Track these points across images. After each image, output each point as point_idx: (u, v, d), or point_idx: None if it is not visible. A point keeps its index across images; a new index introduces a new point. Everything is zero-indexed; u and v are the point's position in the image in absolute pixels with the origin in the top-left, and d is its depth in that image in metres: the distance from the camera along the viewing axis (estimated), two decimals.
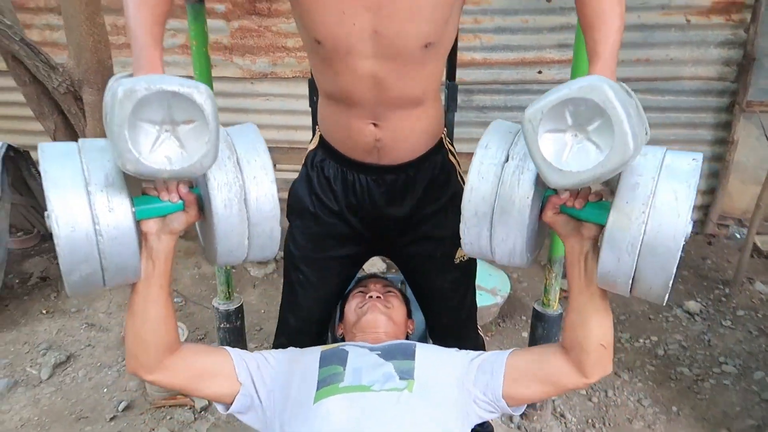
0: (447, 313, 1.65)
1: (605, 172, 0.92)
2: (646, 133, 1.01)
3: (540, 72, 3.29)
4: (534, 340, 2.02)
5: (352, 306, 1.54)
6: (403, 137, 1.38)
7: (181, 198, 1.08)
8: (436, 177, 1.50)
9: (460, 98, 3.19)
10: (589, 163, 0.92)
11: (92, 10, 2.59)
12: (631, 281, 1.02)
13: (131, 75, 1.03)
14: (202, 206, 1.12)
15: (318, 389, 1.19)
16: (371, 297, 1.53)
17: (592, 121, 0.91)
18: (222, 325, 1.96)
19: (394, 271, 2.93)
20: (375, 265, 3.04)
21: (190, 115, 0.94)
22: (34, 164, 2.88)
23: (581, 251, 1.12)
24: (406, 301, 1.66)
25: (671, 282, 1.00)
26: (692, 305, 2.81)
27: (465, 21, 3.19)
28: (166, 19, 1.14)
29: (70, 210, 0.95)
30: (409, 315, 1.65)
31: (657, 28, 3.21)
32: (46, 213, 0.95)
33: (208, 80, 1.69)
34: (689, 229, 0.99)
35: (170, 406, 2.17)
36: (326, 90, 1.35)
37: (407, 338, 1.58)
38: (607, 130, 0.90)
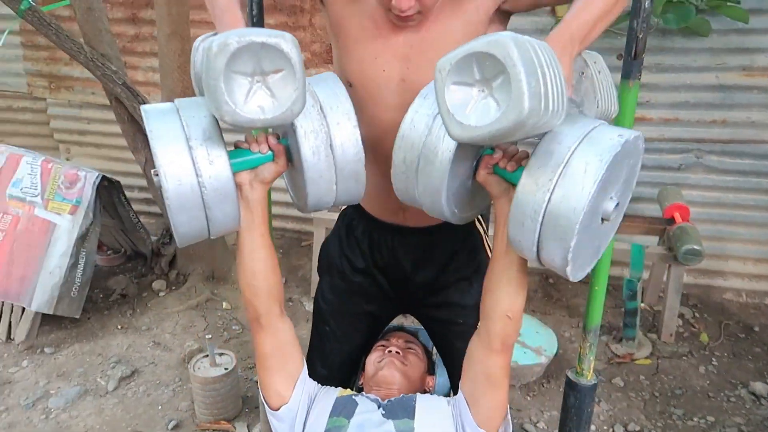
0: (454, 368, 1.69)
1: (501, 129, 0.90)
2: (578, 104, 1.02)
3: None
4: (566, 410, 2.00)
5: (371, 359, 1.61)
6: None
7: (270, 149, 1.17)
8: (463, 245, 1.56)
9: (531, 150, 3.24)
10: (487, 119, 0.91)
11: (183, 61, 2.87)
12: (535, 248, 1.02)
13: (215, 34, 1.13)
14: (290, 156, 1.19)
15: None
16: (390, 352, 1.60)
17: (497, 77, 0.90)
18: None
19: None
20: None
21: (278, 65, 1.01)
22: (123, 193, 3.18)
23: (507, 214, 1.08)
24: (428, 357, 1.71)
25: (569, 255, 0.98)
26: (759, 387, 2.63)
27: None
28: None
29: (176, 165, 1.04)
30: (431, 371, 1.70)
31: (737, 89, 3.11)
32: (153, 170, 1.05)
33: None
34: (598, 205, 0.98)
35: (214, 430, 2.32)
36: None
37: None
38: (508, 87, 0.88)
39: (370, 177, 1.31)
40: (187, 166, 1.05)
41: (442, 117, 0.96)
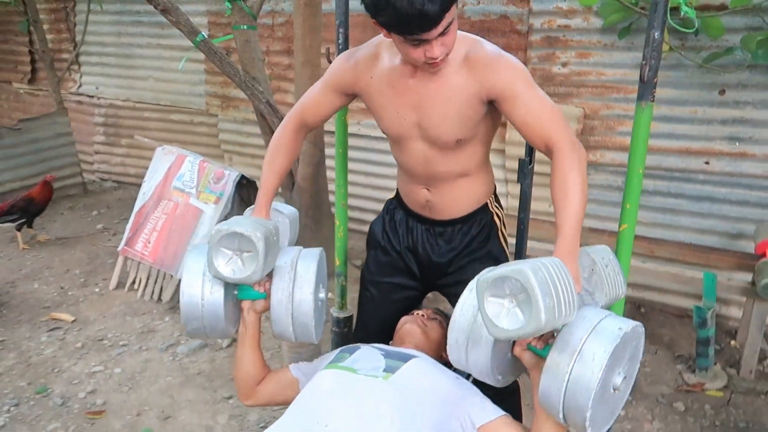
0: None
1: (526, 333, 1.20)
2: (572, 305, 1.25)
3: (707, 162, 3.27)
4: None
5: (402, 320, 1.95)
6: (450, 200, 1.82)
7: (264, 291, 1.70)
8: (478, 234, 1.88)
9: (621, 180, 3.38)
10: (515, 324, 1.22)
11: (314, 81, 3.44)
12: (561, 415, 1.29)
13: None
14: None
15: (327, 364, 1.65)
16: (418, 315, 1.93)
17: (522, 294, 1.19)
18: (333, 329, 2.50)
19: None
20: None
21: (250, 248, 1.54)
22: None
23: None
24: None
25: (587, 423, 1.23)
26: None
27: (630, 108, 3.36)
28: (286, 173, 1.82)
29: (191, 287, 1.62)
30: None
31: None
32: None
33: (345, 178, 2.30)
34: (608, 381, 1.25)
35: None
36: (398, 162, 1.85)
37: (442, 361, 1.92)
38: (529, 304, 1.17)
39: (406, 182, 1.84)
40: (197, 291, 1.62)
41: (483, 320, 1.28)
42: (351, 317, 2.43)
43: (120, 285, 3.70)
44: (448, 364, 1.88)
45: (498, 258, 1.89)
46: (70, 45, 5.67)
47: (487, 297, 1.25)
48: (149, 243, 3.61)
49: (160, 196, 3.71)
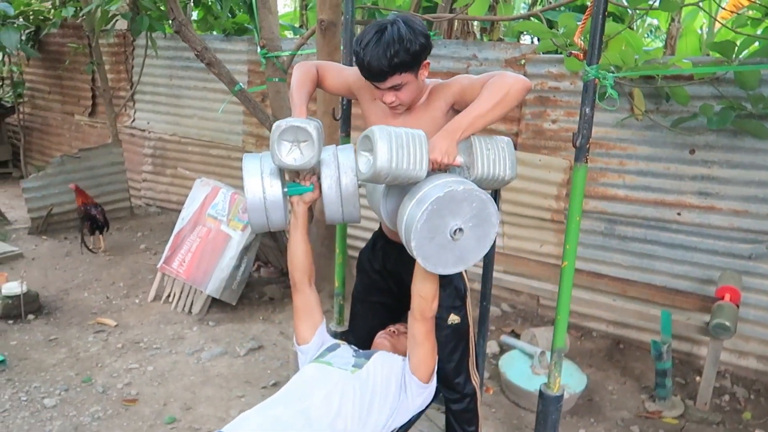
0: (441, 360, 2.37)
1: (373, 174, 1.73)
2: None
3: (679, 214, 3.64)
4: (537, 415, 2.54)
5: (377, 335, 2.39)
6: None
7: (311, 183, 2.04)
8: None
9: (603, 226, 3.78)
10: (366, 168, 1.76)
11: (331, 131, 3.96)
12: (406, 245, 1.78)
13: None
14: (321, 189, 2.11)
15: (312, 359, 2.11)
16: (389, 330, 2.37)
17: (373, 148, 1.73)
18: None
19: None
20: None
21: (306, 137, 1.86)
22: None
23: None
24: None
25: (414, 251, 1.74)
26: None
27: (611, 162, 3.77)
28: (311, 97, 2.22)
29: (253, 185, 1.93)
30: None
31: None
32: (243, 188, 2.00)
33: None
34: (439, 225, 1.72)
35: None
36: None
37: None
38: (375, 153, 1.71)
39: None
40: (258, 187, 1.97)
41: (358, 166, 1.82)
42: (346, 332, 2.87)
43: (157, 297, 4.22)
44: None
45: (457, 286, 2.31)
46: (127, 84, 6.37)
47: (359, 151, 1.78)
48: (184, 262, 4.14)
49: (196, 222, 4.25)
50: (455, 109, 2.04)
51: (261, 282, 4.58)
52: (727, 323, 3.02)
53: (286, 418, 1.78)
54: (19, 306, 3.81)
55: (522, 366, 3.32)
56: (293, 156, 1.87)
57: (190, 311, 4.05)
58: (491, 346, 3.72)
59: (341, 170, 2.01)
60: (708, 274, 3.64)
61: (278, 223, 2.03)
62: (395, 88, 1.92)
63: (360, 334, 2.51)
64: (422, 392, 2.03)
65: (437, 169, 1.85)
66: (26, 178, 5.51)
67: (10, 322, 3.78)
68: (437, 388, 2.39)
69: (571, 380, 3.21)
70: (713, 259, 3.62)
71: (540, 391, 2.52)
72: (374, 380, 1.98)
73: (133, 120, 6.45)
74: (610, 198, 3.82)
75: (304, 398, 1.86)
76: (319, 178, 2.06)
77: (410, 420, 2.06)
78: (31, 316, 3.87)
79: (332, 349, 2.16)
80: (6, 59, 7.11)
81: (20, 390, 3.08)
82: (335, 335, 2.92)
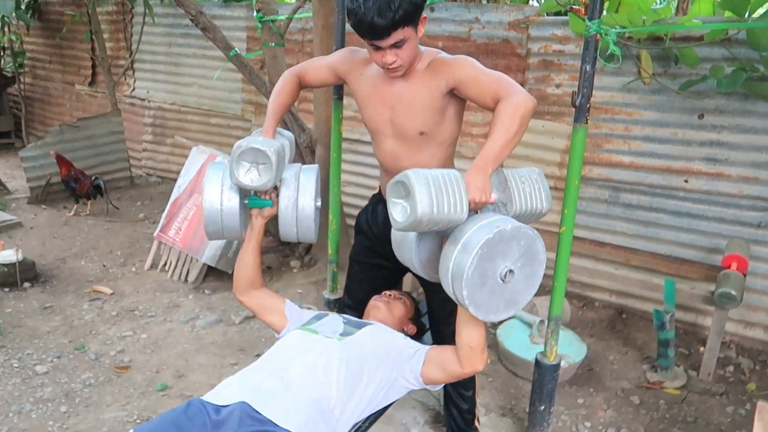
0: (438, 324, 2.32)
1: (411, 224, 1.58)
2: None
3: (686, 181, 3.52)
4: (533, 384, 2.48)
5: (372, 298, 2.32)
6: None
7: (270, 199, 2.05)
8: None
9: (607, 194, 3.68)
10: (403, 218, 1.62)
11: (328, 97, 3.85)
12: (451, 290, 1.65)
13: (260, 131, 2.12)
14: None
15: (299, 326, 2.04)
16: (385, 294, 2.30)
17: (409, 194, 1.59)
18: (324, 308, 2.90)
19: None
20: None
21: (265, 160, 1.88)
22: None
23: None
24: (416, 313, 2.36)
25: (465, 299, 1.59)
26: None
27: (616, 128, 3.65)
28: (287, 109, 2.19)
29: (212, 195, 1.95)
30: (414, 322, 2.34)
31: None
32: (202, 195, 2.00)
33: (338, 179, 2.71)
34: (488, 269, 1.59)
35: None
36: (377, 159, 2.22)
37: (404, 334, 2.28)
38: (412, 201, 1.56)
39: (383, 177, 2.19)
40: (216, 198, 1.96)
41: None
42: (340, 299, 2.81)
43: (153, 266, 4.19)
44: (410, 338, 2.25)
45: None
46: (126, 53, 6.27)
47: (391, 199, 1.65)
48: (180, 230, 4.09)
49: (192, 190, 4.18)
50: (454, 94, 1.95)
51: None
52: (733, 292, 2.92)
53: (266, 386, 1.72)
54: (15, 274, 3.78)
55: (521, 335, 3.25)
56: (251, 177, 1.88)
57: (186, 279, 4.00)
58: None
59: (300, 192, 2.02)
60: (715, 242, 3.54)
61: (233, 234, 2.03)
62: (397, 45, 1.82)
63: (355, 296, 2.45)
64: (418, 385, 1.95)
65: (473, 210, 1.71)
66: (25, 148, 5.46)
67: (6, 289, 3.76)
68: None
69: (571, 349, 3.14)
70: (720, 228, 3.51)
71: (536, 359, 2.46)
72: (364, 350, 1.90)
73: (133, 89, 6.36)
74: (614, 165, 3.71)
75: (286, 365, 1.80)
76: (278, 196, 2.06)
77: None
78: (27, 284, 3.84)
79: (320, 317, 2.10)
80: (6, 28, 7.01)
81: (12, 357, 3.06)
82: (328, 303, 2.87)
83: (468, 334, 1.81)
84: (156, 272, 4.13)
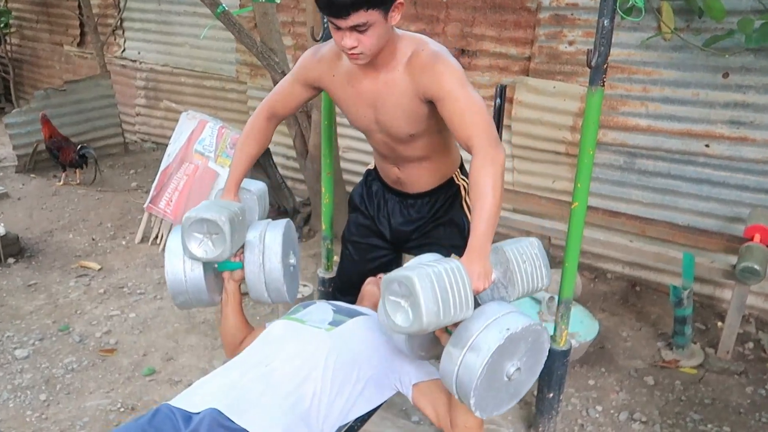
0: None
1: (414, 330, 1.38)
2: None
3: (707, 146, 3.28)
4: (543, 370, 2.30)
5: (366, 281, 2.14)
6: (417, 177, 2.00)
7: (240, 261, 1.86)
8: (444, 204, 2.05)
9: (622, 160, 3.45)
10: (406, 323, 1.39)
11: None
12: (456, 395, 1.47)
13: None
14: None
15: (284, 316, 1.86)
16: (380, 276, 2.11)
17: (410, 295, 1.37)
18: (319, 288, 2.72)
19: None
20: None
21: (217, 231, 1.71)
22: (272, 157, 4.04)
23: None
24: None
25: (471, 402, 1.41)
26: None
27: (633, 89, 3.39)
28: (256, 158, 1.99)
29: (174, 266, 1.80)
30: None
31: None
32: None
33: (330, 148, 2.48)
34: (497, 369, 1.40)
35: None
36: (371, 146, 2.02)
37: None
38: (414, 305, 1.36)
39: (380, 161, 2.04)
40: (180, 270, 1.79)
41: (382, 313, 1.47)
42: (335, 278, 2.63)
43: (144, 239, 4.01)
44: None
45: (458, 223, 2.05)
46: (115, 11, 5.96)
47: (387, 296, 1.44)
48: (171, 201, 3.89)
49: (182, 159, 3.97)
50: (430, 105, 1.71)
51: None
52: (757, 267, 2.72)
53: (243, 383, 1.54)
54: None
55: (529, 311, 3.07)
56: (204, 248, 1.75)
57: None
58: None
59: (265, 255, 1.84)
60: (736, 211, 3.31)
61: (204, 302, 1.88)
62: (358, 29, 1.55)
63: (348, 279, 2.27)
64: (407, 395, 1.76)
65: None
66: (9, 114, 5.23)
67: None
68: None
69: (582, 327, 2.96)
70: (743, 196, 3.28)
71: None
72: (355, 342, 1.71)
73: (123, 50, 6.08)
74: (630, 129, 3.46)
75: (267, 361, 1.62)
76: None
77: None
78: (11, 260, 3.68)
79: (307, 305, 1.91)
80: None
81: None
82: (323, 282, 2.68)
83: (465, 416, 1.60)
84: (147, 245, 3.96)
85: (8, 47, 6.99)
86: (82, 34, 6.39)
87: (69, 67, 6.68)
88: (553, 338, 2.25)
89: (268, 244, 1.85)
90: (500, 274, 1.59)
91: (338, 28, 1.57)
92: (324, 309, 1.87)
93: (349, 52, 1.61)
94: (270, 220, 1.99)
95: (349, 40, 1.57)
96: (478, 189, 1.53)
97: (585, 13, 3.43)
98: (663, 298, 3.50)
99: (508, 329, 1.40)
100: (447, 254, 1.99)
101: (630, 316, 3.36)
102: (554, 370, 2.27)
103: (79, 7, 6.12)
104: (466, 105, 1.60)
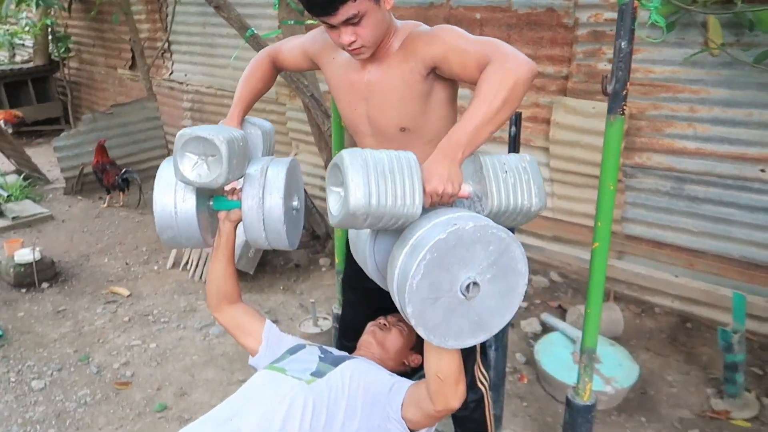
0: None
1: (344, 218, 1.28)
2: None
3: (763, 170, 2.97)
4: (564, 427, 2.09)
5: (367, 326, 2.00)
6: None
7: (239, 200, 1.70)
8: None
9: (669, 185, 3.18)
10: (336, 210, 1.32)
11: None
12: (399, 305, 1.33)
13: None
14: None
15: (268, 364, 1.74)
16: (378, 323, 1.97)
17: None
18: (334, 325, 2.60)
19: None
20: None
21: (214, 152, 1.52)
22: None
23: None
24: (419, 339, 2.02)
25: (408, 312, 1.26)
26: None
27: (679, 109, 3.12)
28: (259, 96, 1.86)
29: (164, 196, 1.61)
30: (417, 350, 2.00)
31: None
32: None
33: (340, 145, 2.36)
34: (444, 280, 1.25)
35: None
36: None
37: (405, 368, 1.95)
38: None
39: None
40: (170, 200, 1.61)
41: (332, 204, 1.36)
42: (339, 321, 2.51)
43: (176, 264, 4.01)
44: (410, 371, 1.92)
45: None
46: (164, 34, 6.09)
47: (329, 187, 1.35)
48: None
49: None
50: (437, 74, 1.57)
51: None
52: None
53: None
54: (32, 274, 3.68)
55: (561, 352, 2.85)
56: (198, 172, 1.54)
57: (205, 280, 3.79)
58: (532, 325, 3.26)
59: (266, 190, 1.64)
60: None
61: (194, 241, 1.68)
62: (351, 21, 1.45)
63: (351, 326, 2.13)
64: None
65: (437, 204, 1.37)
66: (57, 137, 5.41)
67: (23, 290, 3.67)
68: None
69: (620, 371, 2.72)
70: None
71: (567, 398, 2.07)
72: (337, 393, 1.58)
73: (171, 72, 6.20)
74: (678, 152, 3.18)
75: (240, 415, 1.51)
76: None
77: None
78: (45, 284, 3.74)
79: (294, 350, 1.79)
80: (50, 12, 6.98)
81: (12, 369, 2.94)
82: (337, 318, 2.56)
83: (436, 361, 1.44)
84: (178, 271, 3.96)
85: (67, 71, 7.27)
86: (134, 57, 6.57)
87: (122, 90, 6.89)
88: (575, 391, 2.04)
89: (270, 178, 1.65)
90: (473, 187, 1.42)
91: (332, 27, 1.48)
92: (310, 356, 1.75)
93: (350, 49, 1.52)
94: (273, 156, 1.81)
95: (346, 35, 1.48)
96: (479, 88, 1.35)
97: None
98: (712, 339, 3.18)
99: (454, 224, 1.22)
100: None
101: (678, 358, 3.07)
102: (577, 427, 2.05)
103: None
104: (473, 41, 1.44)
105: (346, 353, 1.83)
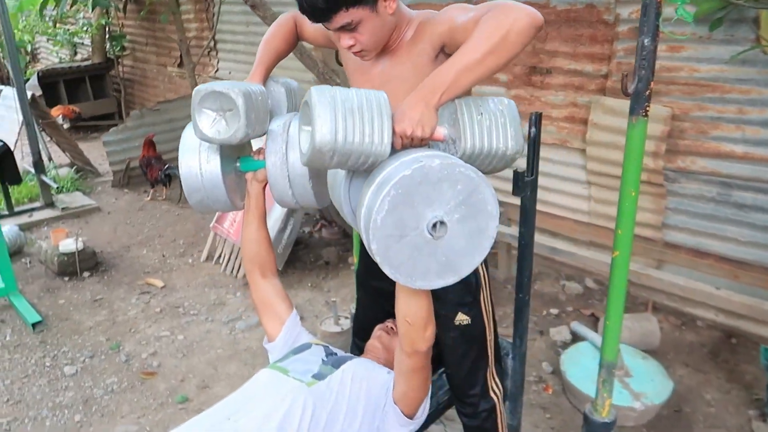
0: (450, 366, 1.91)
1: (313, 155, 1.26)
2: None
3: None
4: None
5: (375, 329, 1.97)
6: None
7: (264, 159, 1.67)
8: None
9: (715, 191, 3.03)
10: (305, 148, 1.30)
11: None
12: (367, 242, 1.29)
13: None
14: None
15: (271, 363, 1.73)
16: (385, 326, 1.93)
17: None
18: (352, 325, 2.57)
19: None
20: None
21: (231, 106, 1.48)
22: None
23: None
24: None
25: (373, 248, 1.24)
26: None
27: (726, 110, 2.94)
28: (281, 57, 1.85)
29: (189, 158, 1.58)
30: None
31: None
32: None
33: None
34: (409, 219, 1.23)
35: None
36: None
37: None
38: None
39: None
40: (195, 162, 1.59)
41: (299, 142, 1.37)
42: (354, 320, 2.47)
43: (209, 258, 4.07)
44: None
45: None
46: (210, 33, 6.21)
47: (300, 126, 1.36)
48: (235, 221, 3.92)
49: None
50: (447, 53, 1.52)
51: (320, 243, 4.27)
52: None
53: None
54: (75, 263, 3.80)
55: (589, 363, 2.73)
56: (217, 128, 1.50)
57: (236, 275, 3.84)
58: (562, 333, 3.15)
59: (289, 145, 1.60)
60: None
61: (221, 204, 1.66)
62: (348, 28, 1.45)
63: (363, 325, 2.12)
64: (404, 428, 1.58)
65: (408, 146, 1.35)
66: (107, 132, 5.58)
67: (66, 279, 3.80)
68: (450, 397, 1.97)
69: (652, 386, 2.59)
70: None
71: (584, 413, 1.98)
72: (337, 396, 1.57)
73: (217, 70, 6.31)
74: (724, 156, 3.00)
75: (239, 415, 1.50)
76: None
77: None
78: (86, 274, 3.86)
79: (299, 350, 1.76)
80: (105, 13, 7.24)
81: (48, 354, 3.04)
82: (354, 318, 2.53)
83: (404, 304, 1.44)
84: (211, 264, 4.01)
85: (121, 68, 7.51)
86: (181, 55, 6.73)
87: (171, 87, 7.07)
88: (594, 406, 1.95)
89: (293, 134, 1.61)
90: (449, 131, 1.39)
91: (333, 31, 1.50)
92: (314, 357, 1.73)
93: (351, 52, 1.53)
94: (296, 112, 1.76)
95: (345, 40, 1.49)
96: (472, 35, 1.32)
97: (669, 25, 3.03)
98: (756, 356, 3.00)
99: (420, 162, 1.20)
100: (453, 312, 1.78)
101: (719, 375, 2.90)
102: None
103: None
104: (477, 7, 1.40)
105: (350, 354, 1.80)
